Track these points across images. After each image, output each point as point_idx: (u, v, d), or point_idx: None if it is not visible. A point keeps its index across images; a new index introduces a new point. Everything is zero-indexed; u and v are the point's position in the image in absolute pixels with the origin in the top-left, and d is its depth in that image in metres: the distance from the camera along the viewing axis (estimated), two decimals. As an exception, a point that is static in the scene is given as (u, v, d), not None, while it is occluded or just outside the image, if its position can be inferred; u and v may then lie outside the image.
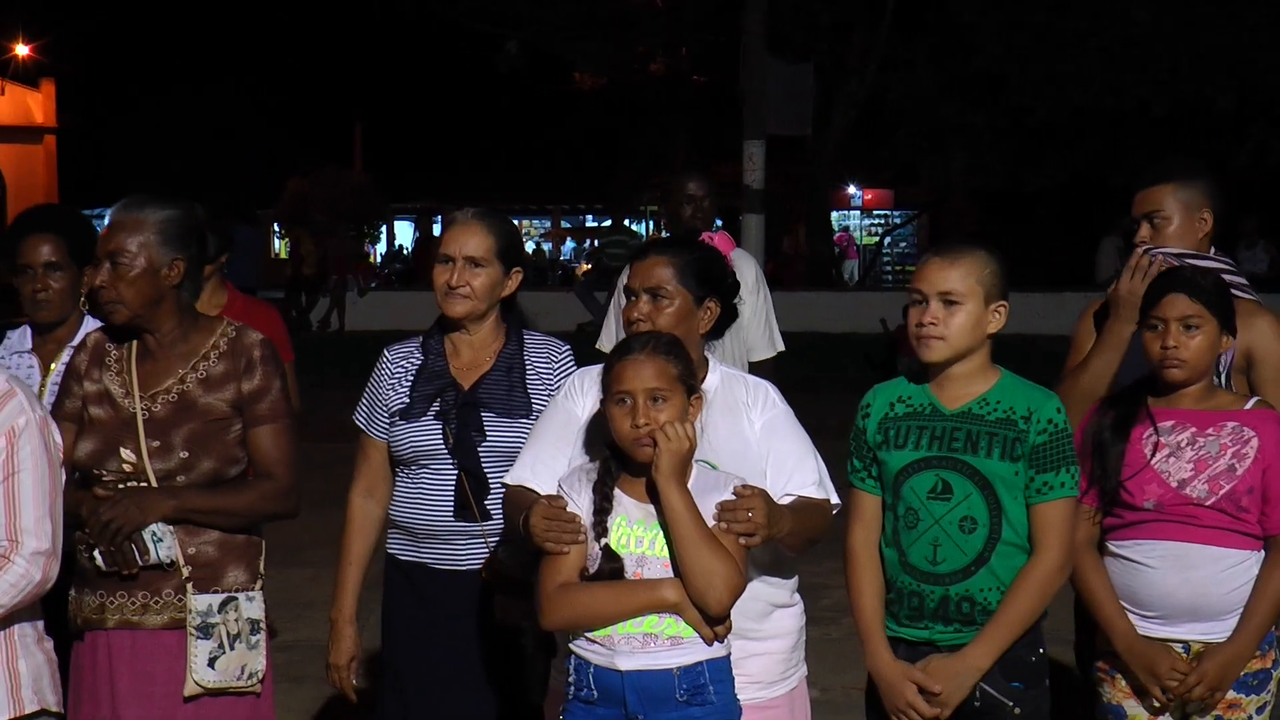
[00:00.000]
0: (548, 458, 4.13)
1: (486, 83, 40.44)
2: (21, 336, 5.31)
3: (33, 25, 43.82)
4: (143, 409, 4.38)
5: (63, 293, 5.19)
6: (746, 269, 6.38)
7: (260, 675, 4.43)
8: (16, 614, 3.87)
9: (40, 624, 4.00)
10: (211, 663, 4.33)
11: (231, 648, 4.35)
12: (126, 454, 4.34)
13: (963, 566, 4.18)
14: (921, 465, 4.23)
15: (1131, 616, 4.49)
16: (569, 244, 50.93)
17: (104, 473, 4.33)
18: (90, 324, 5.03)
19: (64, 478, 3.99)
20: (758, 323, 6.65)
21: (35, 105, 45.30)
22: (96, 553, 4.28)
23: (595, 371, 4.19)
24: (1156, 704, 4.48)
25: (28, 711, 3.89)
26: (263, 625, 4.45)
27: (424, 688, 4.64)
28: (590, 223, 51.92)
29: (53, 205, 5.54)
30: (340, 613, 4.82)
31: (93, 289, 4.49)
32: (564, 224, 52.28)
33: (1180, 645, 4.46)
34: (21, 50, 44.34)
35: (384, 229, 46.44)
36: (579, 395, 4.22)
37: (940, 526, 4.18)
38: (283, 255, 40.35)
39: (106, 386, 4.44)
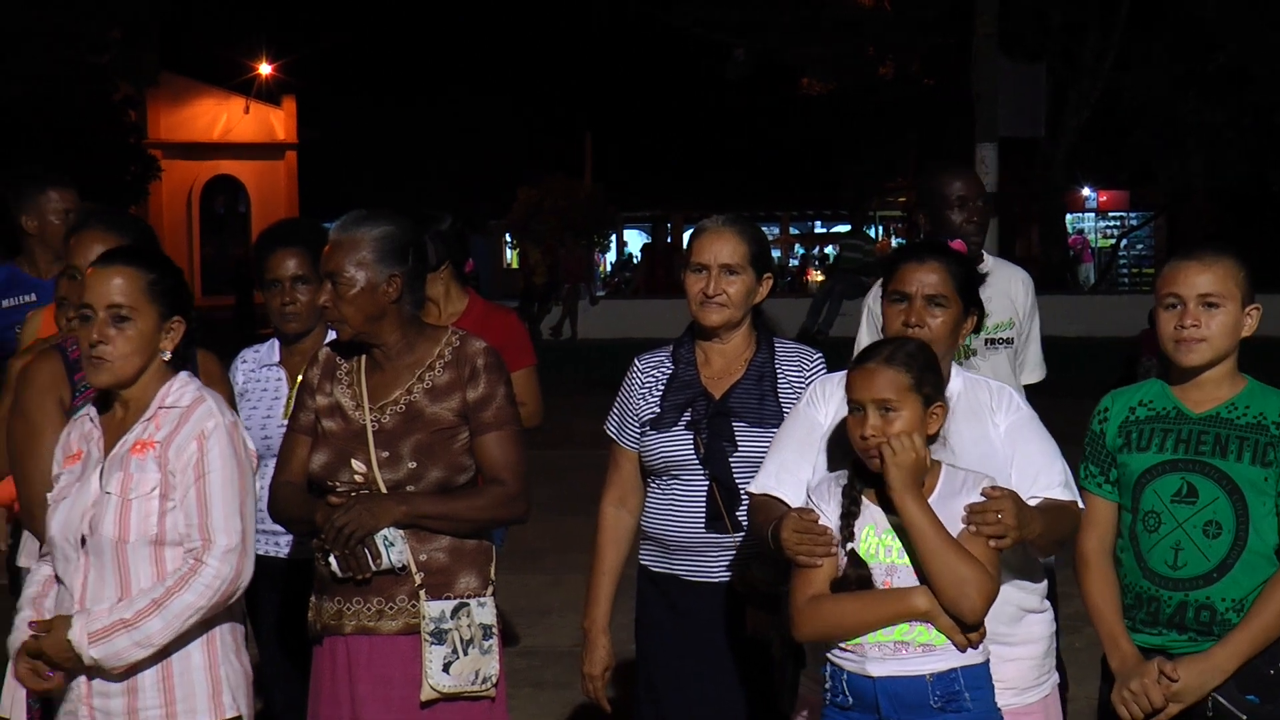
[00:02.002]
0: (792, 465, 4.09)
1: (714, 90, 40.52)
2: (270, 349, 5.43)
3: (275, 46, 45.14)
4: (372, 421, 4.42)
5: (309, 305, 5.28)
6: (1017, 285, 5.98)
7: (494, 680, 4.43)
8: (216, 620, 3.96)
9: (241, 634, 4.09)
10: (446, 668, 4.35)
11: (465, 653, 4.37)
12: (357, 465, 4.39)
13: (1204, 572, 4.07)
14: (1166, 468, 4.12)
15: None
16: (798, 250, 50.80)
17: (336, 484, 4.39)
18: (334, 336, 5.12)
19: (257, 481, 4.09)
20: (1034, 344, 6.08)
21: (277, 122, 46.65)
22: (332, 558, 4.34)
23: (836, 379, 4.15)
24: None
25: (227, 717, 3.97)
26: (495, 630, 4.46)
27: (679, 699, 4.62)
28: (819, 228, 51.74)
29: (297, 219, 5.65)
30: (594, 623, 4.80)
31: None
32: (792, 230, 52.16)
33: None
34: (265, 70, 45.69)
35: (613, 237, 46.82)
36: (821, 402, 4.17)
37: (1183, 530, 4.08)
38: (514, 265, 40.95)
39: (338, 399, 4.50)
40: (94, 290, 3.91)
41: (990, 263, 5.85)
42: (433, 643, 4.33)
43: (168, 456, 3.85)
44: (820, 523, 3.80)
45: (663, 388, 4.67)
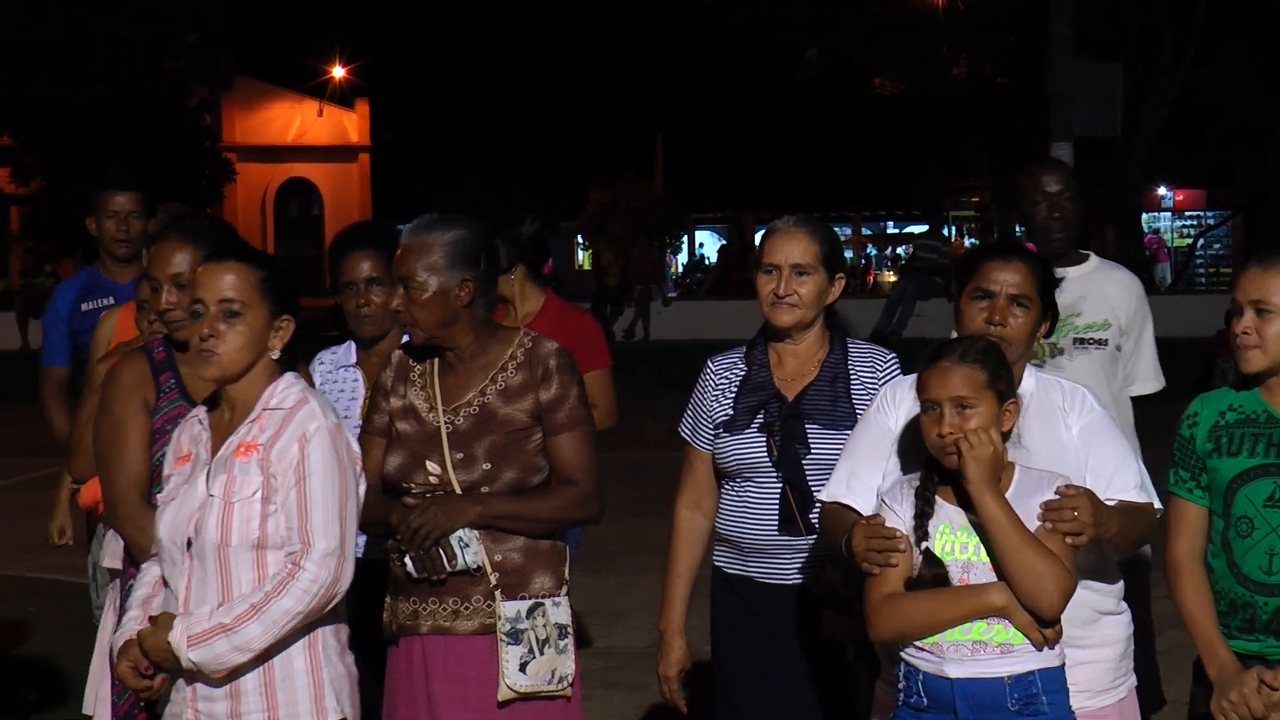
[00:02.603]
0: (863, 473, 4.07)
1: (786, 91, 40.46)
2: (347, 351, 5.46)
3: (348, 49, 45.41)
4: (446, 422, 4.43)
5: (384, 307, 5.29)
6: (1115, 286, 5.84)
7: (570, 679, 4.44)
8: (319, 622, 3.93)
9: (344, 635, 4.05)
10: (523, 667, 4.36)
11: (541, 653, 4.38)
12: (432, 467, 4.40)
13: None
14: (1258, 472, 4.08)
15: None
16: (870, 250, 50.64)
17: (411, 485, 4.41)
18: (407, 338, 5.13)
19: (362, 484, 4.05)
20: (1146, 352, 5.85)
21: (351, 125, 46.96)
22: (407, 559, 4.35)
23: (907, 382, 4.13)
24: None
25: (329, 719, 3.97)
26: (570, 630, 4.47)
27: (754, 701, 4.61)
28: (891, 229, 51.57)
29: (372, 221, 5.67)
30: (669, 624, 4.79)
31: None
32: (864, 230, 52.00)
33: None
34: (338, 73, 45.98)
35: (685, 239, 46.84)
36: (891, 408, 4.15)
37: (1277, 535, 4.04)
38: (586, 266, 41.04)
39: (412, 401, 4.51)
40: (206, 285, 3.91)
41: (1094, 262, 5.82)
42: (509, 643, 4.34)
43: (270, 459, 3.84)
44: (892, 525, 3.79)
45: (736, 389, 4.66)
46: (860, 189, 46.32)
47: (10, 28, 27.54)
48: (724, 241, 47.09)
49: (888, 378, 4.57)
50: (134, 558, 4.42)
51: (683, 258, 48.55)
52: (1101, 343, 5.66)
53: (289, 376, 3.96)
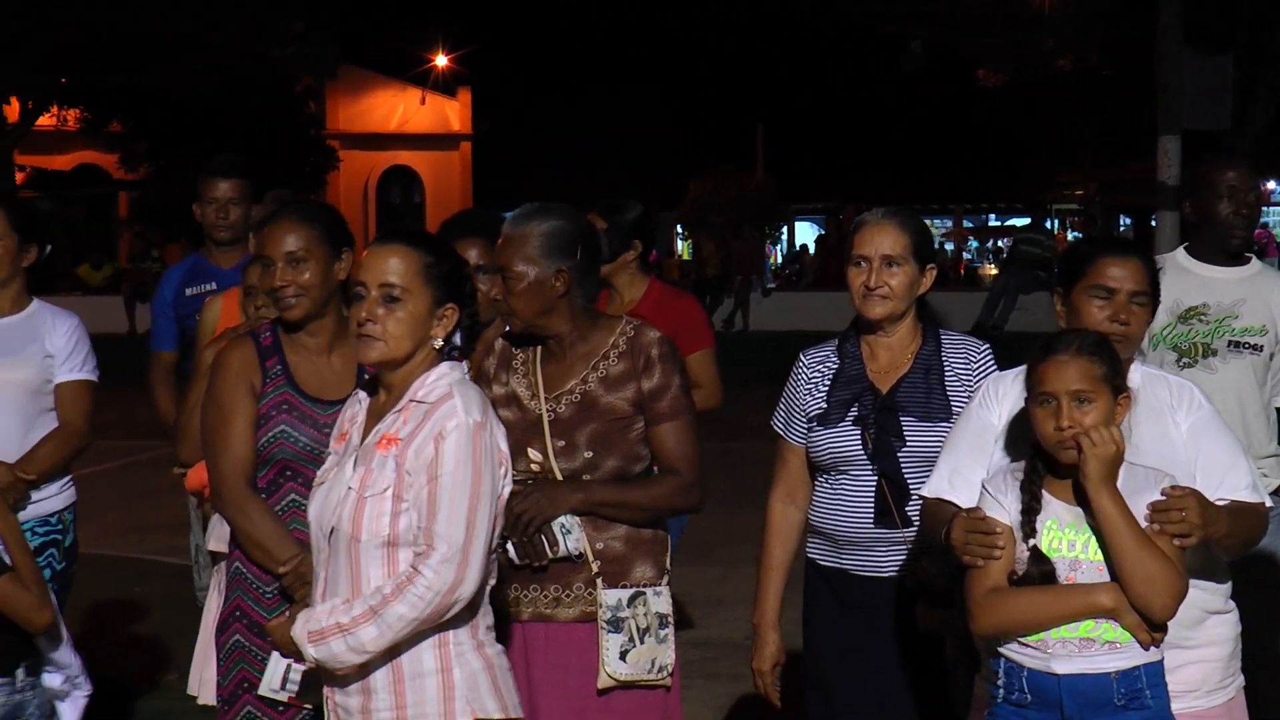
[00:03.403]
0: (965, 469, 4.04)
1: (889, 83, 40.24)
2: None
3: (451, 37, 45.64)
4: (548, 410, 4.45)
5: (487, 295, 5.33)
6: (1278, 293, 5.62)
7: (669, 669, 4.45)
8: (450, 621, 3.78)
9: (480, 628, 3.89)
10: (623, 656, 4.37)
11: (641, 641, 4.39)
12: (534, 454, 4.42)
13: None
14: None
15: None
16: (972, 243, 50.29)
17: (513, 473, 4.42)
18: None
19: (506, 485, 3.89)
20: None
21: (453, 113, 47.19)
22: (509, 545, 4.37)
23: (1010, 376, 4.10)
24: None
25: None
26: (670, 619, 4.48)
27: (849, 694, 4.60)
28: (993, 221, 51.17)
29: (478, 209, 5.70)
30: (763, 618, 4.79)
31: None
32: (966, 223, 51.64)
33: None
34: (441, 61, 46.23)
35: (785, 229, 46.72)
36: (994, 403, 4.12)
37: None
38: (685, 256, 41.03)
39: (514, 389, 4.53)
40: (369, 268, 3.79)
41: (1255, 265, 5.73)
42: (610, 631, 4.35)
43: (407, 455, 3.71)
44: (995, 516, 3.77)
45: (829, 383, 4.64)
46: (962, 181, 45.99)
47: (122, 16, 27.93)
48: (821, 232, 46.92)
49: (981, 369, 4.56)
50: (239, 542, 4.48)
51: (782, 248, 48.43)
52: (1257, 348, 5.57)
53: (443, 367, 3.81)
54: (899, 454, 4.51)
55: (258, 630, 4.41)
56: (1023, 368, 3.96)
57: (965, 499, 3.95)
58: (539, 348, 4.54)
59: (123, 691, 7.54)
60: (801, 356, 4.76)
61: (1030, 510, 3.75)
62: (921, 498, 4.17)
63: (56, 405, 5.70)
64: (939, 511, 4.01)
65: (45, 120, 34.87)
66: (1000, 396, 4.10)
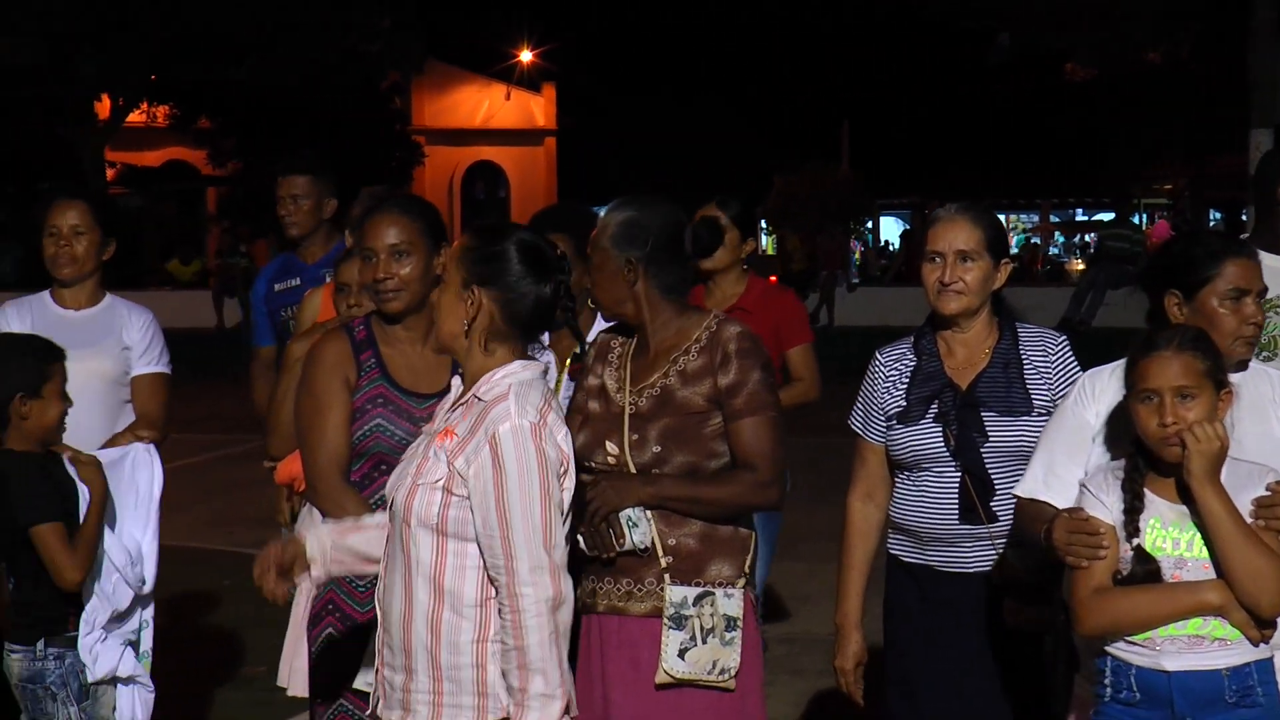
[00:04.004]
0: (1061, 469, 4.00)
1: (975, 77, 39.99)
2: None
3: (535, 33, 45.78)
4: (630, 403, 4.44)
5: (578, 284, 5.35)
6: None
7: (732, 672, 4.34)
8: (488, 617, 3.75)
9: None
10: (682, 654, 4.31)
11: (704, 641, 4.33)
12: (610, 447, 4.41)
13: None
14: None
15: None
16: (1058, 238, 49.89)
17: (591, 464, 4.43)
18: (602, 321, 5.17)
19: (568, 480, 3.82)
20: None
21: (537, 109, 47.33)
22: (579, 535, 4.33)
23: (1106, 373, 4.06)
24: None
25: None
26: (740, 622, 4.37)
27: (933, 690, 4.57)
28: (1080, 216, 50.75)
29: (567, 204, 5.72)
30: (845, 617, 4.77)
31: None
32: (1052, 218, 51.23)
33: None
34: (525, 57, 46.38)
35: (870, 225, 46.53)
36: (1090, 400, 4.07)
37: None
38: (769, 251, 40.94)
39: (604, 382, 4.53)
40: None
41: None
42: (671, 627, 4.31)
43: (459, 454, 3.70)
44: (1097, 514, 3.74)
45: (906, 380, 4.62)
46: (1048, 176, 45.61)
47: (211, 13, 28.21)
48: (906, 227, 46.71)
49: (1060, 360, 4.54)
50: (331, 535, 4.51)
51: (868, 243, 48.23)
52: None
53: (514, 365, 3.80)
54: (982, 449, 4.48)
55: (350, 624, 4.45)
56: (1118, 363, 3.93)
57: (1060, 498, 3.92)
58: (633, 341, 4.55)
59: (212, 683, 7.63)
60: (877, 355, 4.74)
61: (1133, 509, 3.72)
62: (1016, 497, 4.13)
63: (133, 398, 5.79)
64: (1033, 511, 3.98)
65: (135, 117, 35.29)
66: (1096, 393, 4.06)
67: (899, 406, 4.61)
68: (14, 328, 5.65)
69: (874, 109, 45.34)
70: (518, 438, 3.65)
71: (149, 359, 5.80)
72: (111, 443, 5.47)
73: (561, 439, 3.76)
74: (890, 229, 50.61)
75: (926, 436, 4.55)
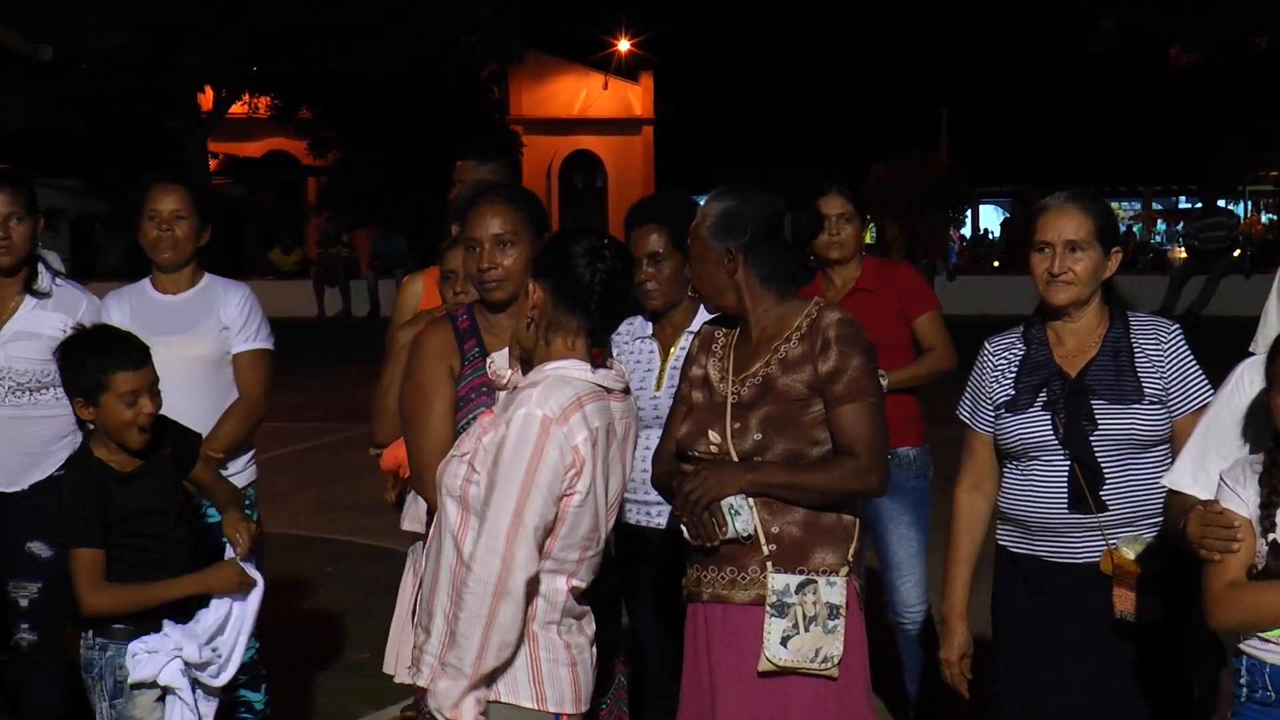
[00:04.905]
0: (1210, 462, 3.93)
1: (1076, 63, 39.57)
2: (643, 323, 5.50)
3: (633, 22, 45.78)
4: (732, 393, 4.46)
5: (668, 280, 5.33)
6: None
7: (835, 660, 4.35)
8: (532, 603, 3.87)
9: (538, 619, 3.89)
10: (784, 641, 4.32)
11: (806, 629, 4.33)
12: (713, 436, 4.42)
13: None
14: None
15: None
16: (1160, 226, 49.31)
17: (695, 453, 4.44)
18: (704, 312, 5.15)
19: (577, 486, 3.84)
20: None
21: (634, 98, 47.30)
22: (683, 525, 4.37)
23: (1261, 363, 3.98)
24: None
25: (550, 710, 3.89)
26: (842, 610, 4.36)
27: (1042, 683, 4.53)
28: (1183, 204, 50.11)
29: (664, 194, 5.69)
30: (951, 609, 4.76)
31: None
32: (1155, 205, 50.63)
33: None
34: (623, 46, 46.39)
35: (969, 213, 46.17)
36: (1245, 389, 3.98)
37: None
38: (868, 239, 40.73)
39: (708, 371, 4.56)
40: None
41: None
42: (773, 615, 4.31)
43: (486, 432, 3.87)
44: (1233, 507, 3.67)
45: (1015, 369, 4.59)
46: (1152, 163, 45.05)
47: (311, 4, 28.42)
48: (1006, 215, 46.32)
49: (1173, 348, 4.49)
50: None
51: (967, 232, 47.87)
52: None
53: (565, 362, 3.92)
54: (1091, 438, 4.43)
55: None
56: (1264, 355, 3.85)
57: (1205, 491, 3.85)
58: (736, 331, 4.56)
59: (316, 670, 7.68)
60: (986, 344, 4.71)
61: (1270, 504, 3.65)
62: (1165, 485, 4.07)
63: (235, 376, 5.80)
64: (1177, 502, 3.93)
65: (237, 108, 35.59)
66: (1251, 384, 3.98)
67: (1007, 395, 4.58)
68: (114, 317, 5.71)
69: (973, 96, 44.97)
70: (525, 424, 3.78)
71: (246, 336, 5.82)
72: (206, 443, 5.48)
73: (581, 441, 3.83)
74: (989, 217, 50.21)
75: (1035, 425, 4.51)
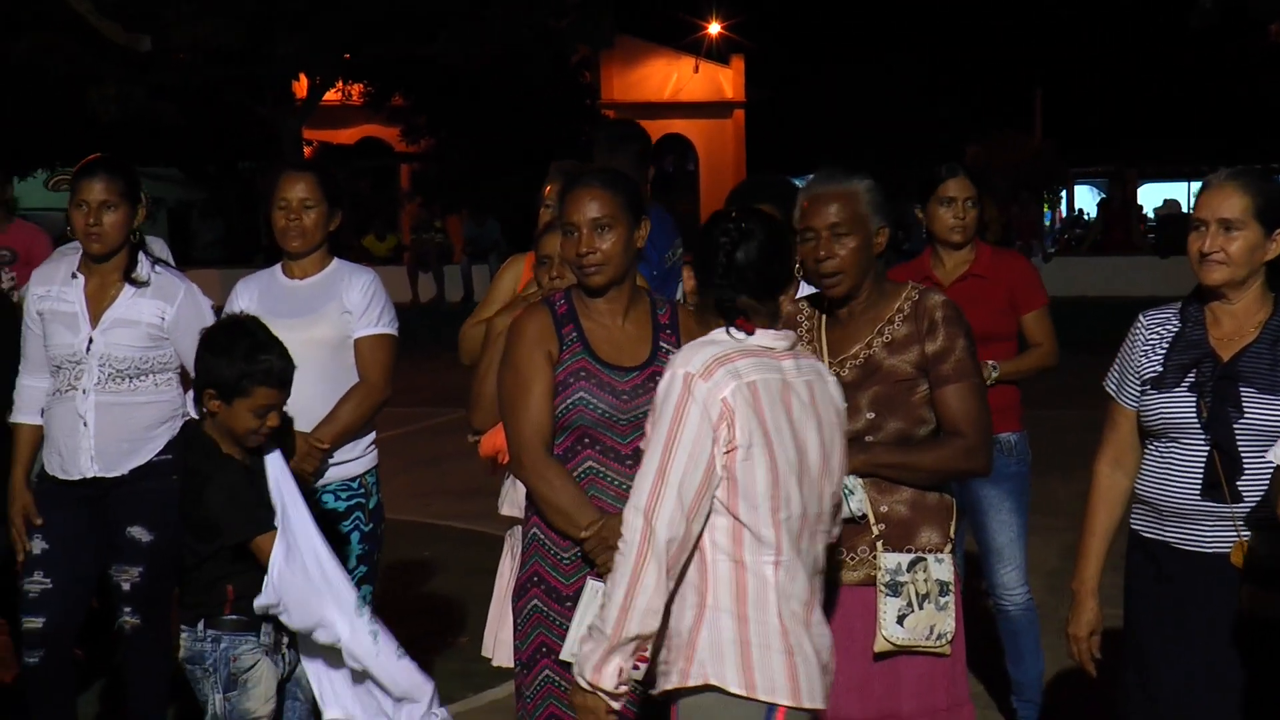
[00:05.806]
0: None
1: (1175, 41, 39.05)
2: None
3: (724, 5, 45.64)
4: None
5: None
6: None
7: (949, 637, 4.40)
8: (713, 585, 3.78)
9: (749, 602, 3.77)
10: (900, 620, 4.35)
11: (920, 607, 4.36)
12: (822, 417, 4.41)
13: None
14: None
15: None
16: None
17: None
18: (802, 290, 5.09)
19: (724, 442, 3.74)
20: None
21: (726, 81, 47.19)
22: None
23: None
24: None
25: (692, 683, 3.76)
26: (951, 587, 4.42)
27: (1165, 670, 4.44)
28: (1284, 183, 49.37)
29: (768, 176, 5.62)
30: (1082, 584, 4.69)
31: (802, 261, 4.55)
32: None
33: None
34: (714, 29, 46.28)
35: (1064, 194, 45.71)
36: None
37: None
38: (962, 222, 40.40)
39: (800, 354, 4.54)
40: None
41: None
42: (888, 594, 4.34)
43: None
44: None
45: (1166, 345, 4.47)
46: (1251, 142, 44.41)
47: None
48: (1103, 196, 45.84)
49: None
50: (537, 508, 4.50)
51: (1062, 213, 47.41)
52: None
53: (716, 333, 3.90)
54: (1235, 425, 4.30)
55: (556, 595, 4.46)
56: None
57: None
58: (823, 315, 4.54)
59: (414, 653, 7.70)
60: (1140, 318, 4.60)
61: None
62: (1274, 463, 3.98)
63: (356, 361, 5.81)
64: None
65: (330, 95, 35.83)
66: None
67: (1155, 371, 4.47)
68: (242, 303, 5.75)
69: (1068, 75, 44.51)
70: (669, 384, 3.77)
71: (368, 320, 5.82)
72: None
73: (729, 393, 3.74)
74: (1084, 198, 49.68)
75: (1179, 405, 4.39)
